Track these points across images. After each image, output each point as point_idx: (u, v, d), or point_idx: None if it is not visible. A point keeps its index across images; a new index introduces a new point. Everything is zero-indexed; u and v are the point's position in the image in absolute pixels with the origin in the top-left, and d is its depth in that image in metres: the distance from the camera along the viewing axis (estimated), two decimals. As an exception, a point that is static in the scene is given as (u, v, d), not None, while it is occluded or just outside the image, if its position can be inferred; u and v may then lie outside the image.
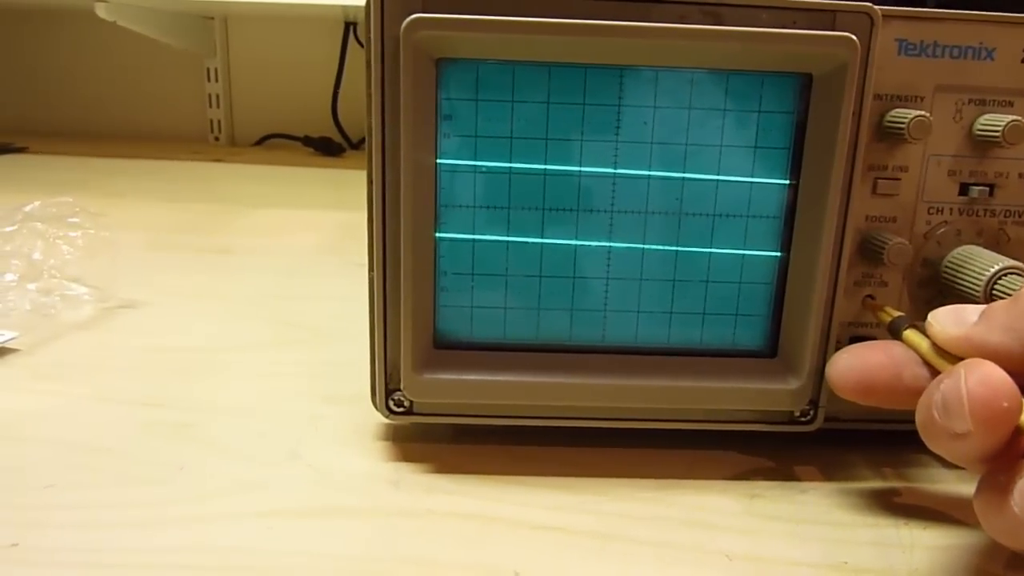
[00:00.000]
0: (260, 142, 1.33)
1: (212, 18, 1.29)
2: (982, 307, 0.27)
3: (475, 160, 0.32)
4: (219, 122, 1.34)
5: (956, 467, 0.35)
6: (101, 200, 0.85)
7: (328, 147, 1.25)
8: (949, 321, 0.27)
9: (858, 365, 0.30)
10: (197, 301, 0.55)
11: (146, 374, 0.42)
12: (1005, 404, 0.23)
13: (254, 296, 0.56)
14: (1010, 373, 0.24)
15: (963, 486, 0.33)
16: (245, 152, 1.27)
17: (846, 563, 0.28)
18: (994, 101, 0.32)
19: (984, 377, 0.24)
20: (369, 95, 0.31)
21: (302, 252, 0.69)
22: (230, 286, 0.59)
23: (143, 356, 0.45)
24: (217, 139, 1.34)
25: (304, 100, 1.31)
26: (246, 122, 1.35)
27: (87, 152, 1.15)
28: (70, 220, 0.48)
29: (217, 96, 1.33)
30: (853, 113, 0.31)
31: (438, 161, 0.32)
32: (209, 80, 1.32)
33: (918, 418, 0.26)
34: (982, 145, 0.33)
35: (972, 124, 0.33)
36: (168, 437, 0.36)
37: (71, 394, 0.40)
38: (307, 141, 1.27)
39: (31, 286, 0.49)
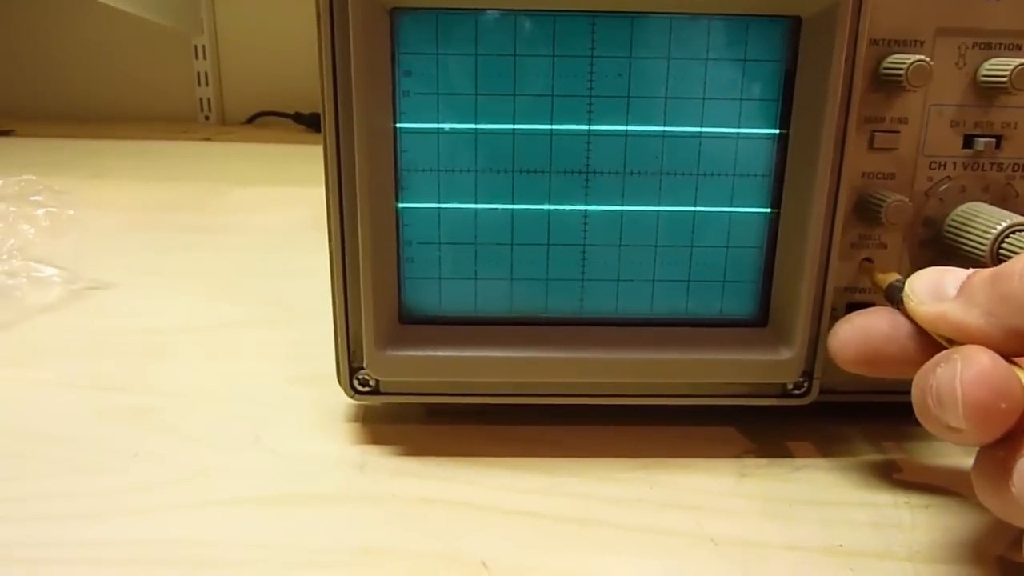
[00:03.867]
0: (251, 120, 1.30)
1: (198, -6, 1.26)
2: (964, 275, 0.25)
3: (438, 120, 0.29)
4: (208, 100, 1.31)
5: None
6: (85, 181, 0.83)
7: (319, 123, 1.22)
8: (926, 294, 0.25)
9: (859, 335, 0.27)
10: (171, 281, 0.53)
11: (110, 357, 0.40)
12: (1003, 405, 0.21)
13: (230, 275, 0.54)
14: None
15: (969, 460, 0.31)
16: (235, 130, 1.24)
17: (841, 546, 0.26)
18: (1000, 44, 0.30)
19: (981, 375, 0.21)
20: (320, 53, 0.28)
21: (285, 229, 0.67)
22: (207, 265, 0.57)
23: (108, 338, 0.43)
24: (207, 118, 1.32)
25: (295, 76, 1.27)
26: (236, 100, 1.32)
27: (75, 134, 1.13)
28: (32, 199, 0.46)
29: (206, 74, 1.30)
30: (846, 59, 0.28)
31: (397, 123, 0.29)
32: (197, 58, 1.29)
33: (913, 397, 0.24)
34: (988, 92, 0.30)
35: (977, 70, 0.30)
36: (126, 423, 0.34)
37: (30, 379, 0.38)
38: (298, 118, 1.25)
39: (-4, 268, 0.47)
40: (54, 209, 0.46)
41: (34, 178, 0.49)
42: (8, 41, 1.32)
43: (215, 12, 1.29)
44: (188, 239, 0.64)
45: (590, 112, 0.29)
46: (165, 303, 0.49)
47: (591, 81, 0.29)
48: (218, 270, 0.55)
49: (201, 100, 1.31)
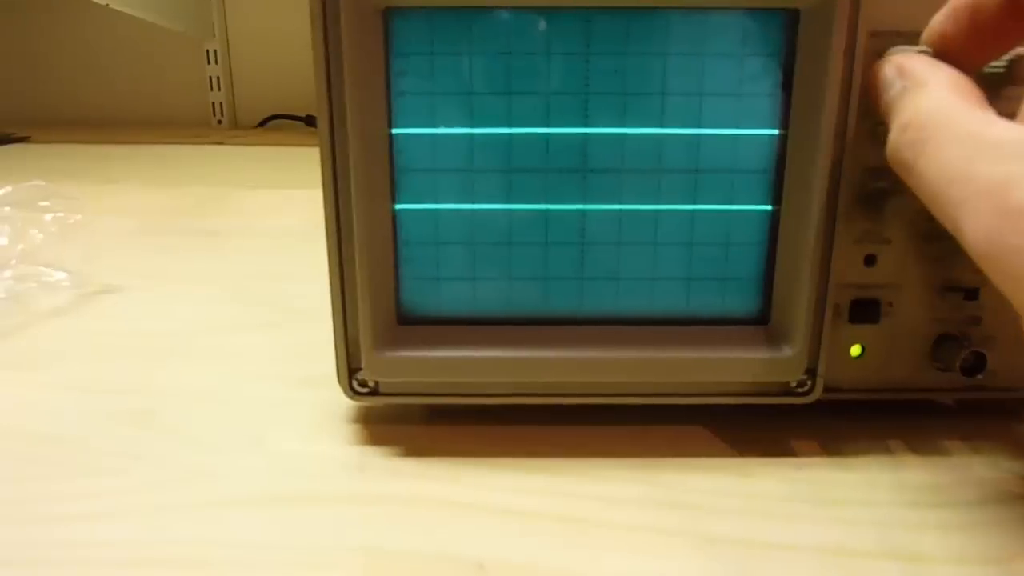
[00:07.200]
0: (263, 123, 1.31)
1: (209, -2, 1.27)
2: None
3: (433, 120, 0.29)
4: (221, 105, 1.32)
5: (968, 440, 0.32)
6: (97, 186, 0.84)
7: (331, 126, 1.23)
8: None
9: None
10: (178, 285, 0.53)
11: (116, 360, 0.41)
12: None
13: (237, 278, 0.55)
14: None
15: (977, 459, 0.31)
16: (247, 134, 1.25)
17: (843, 547, 0.26)
18: (1005, 34, 0.29)
19: None
20: (315, 54, 0.28)
21: (293, 231, 0.67)
22: (214, 268, 0.57)
23: (115, 342, 0.43)
24: (220, 122, 1.33)
25: (306, 79, 1.28)
26: (248, 104, 1.33)
27: (90, 139, 1.14)
28: (40, 204, 0.47)
29: (218, 79, 1.31)
30: (845, 52, 0.28)
31: (393, 123, 0.29)
32: (209, 62, 1.30)
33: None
34: (992, 82, 0.29)
35: (981, 61, 0.29)
36: (130, 425, 0.34)
37: (36, 382, 0.38)
38: (310, 121, 1.25)
39: (6, 273, 0.47)
40: (61, 214, 0.47)
41: (43, 184, 0.49)
42: (23, 50, 1.33)
43: (226, 17, 1.31)
44: (197, 243, 0.64)
45: (586, 110, 0.29)
46: (172, 306, 0.49)
47: (587, 79, 0.29)
48: (226, 273, 0.56)
49: (213, 104, 1.32)
